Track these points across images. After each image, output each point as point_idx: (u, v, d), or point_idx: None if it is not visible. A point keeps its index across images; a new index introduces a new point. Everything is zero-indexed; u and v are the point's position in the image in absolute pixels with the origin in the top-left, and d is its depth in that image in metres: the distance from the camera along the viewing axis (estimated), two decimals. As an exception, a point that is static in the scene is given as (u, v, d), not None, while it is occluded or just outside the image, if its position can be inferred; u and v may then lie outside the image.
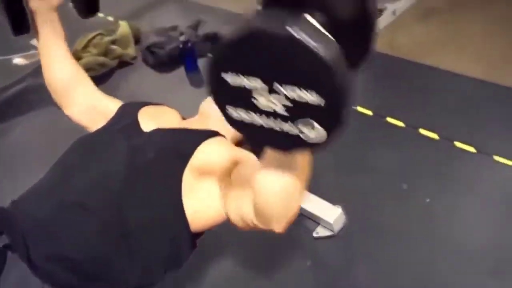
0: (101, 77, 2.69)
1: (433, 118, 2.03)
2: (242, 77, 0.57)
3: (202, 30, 2.80)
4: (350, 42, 0.61)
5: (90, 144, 1.05)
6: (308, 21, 0.54)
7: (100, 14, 3.45)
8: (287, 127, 0.58)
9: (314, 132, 0.57)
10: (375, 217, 1.67)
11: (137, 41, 2.94)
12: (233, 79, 0.58)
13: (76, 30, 3.21)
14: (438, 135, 1.93)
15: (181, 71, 2.66)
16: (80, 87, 1.19)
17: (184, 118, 1.20)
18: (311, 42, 0.51)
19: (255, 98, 0.58)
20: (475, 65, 2.30)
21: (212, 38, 2.73)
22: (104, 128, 1.09)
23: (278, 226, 0.82)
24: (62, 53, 1.19)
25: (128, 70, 2.77)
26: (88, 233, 0.92)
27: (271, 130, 0.60)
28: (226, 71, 0.58)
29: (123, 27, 2.94)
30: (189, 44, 2.53)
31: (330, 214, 1.60)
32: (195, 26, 2.84)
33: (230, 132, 1.17)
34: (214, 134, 1.05)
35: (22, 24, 1.10)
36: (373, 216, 1.68)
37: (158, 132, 1.04)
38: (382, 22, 2.69)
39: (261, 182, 0.77)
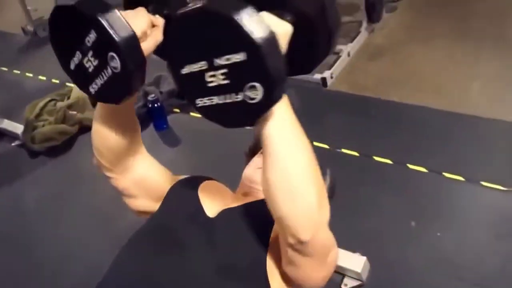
0: (63, 146, 2.51)
1: (417, 152, 2.13)
2: (193, 64, 0.65)
3: (165, 85, 2.73)
4: (312, 38, 0.76)
5: (157, 239, 0.94)
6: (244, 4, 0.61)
7: (42, 77, 3.26)
8: (236, 96, 0.64)
9: (257, 91, 0.62)
10: (395, 259, 1.69)
11: (94, 103, 2.79)
12: (188, 69, 0.66)
13: (21, 97, 2.99)
14: (426, 168, 2.03)
15: (150, 130, 2.56)
16: (139, 154, 1.01)
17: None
18: (232, 12, 0.59)
19: (207, 82, 0.65)
20: (434, 97, 2.48)
21: (178, 94, 2.67)
22: (166, 218, 0.98)
23: (304, 232, 0.71)
24: (132, 115, 0.97)
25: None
26: None
27: (226, 104, 0.65)
28: (182, 66, 0.66)
29: (76, 90, 2.78)
30: (158, 103, 2.45)
31: (356, 263, 1.59)
32: (157, 82, 2.76)
33: None
34: None
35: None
36: (393, 258, 1.70)
37: (226, 214, 0.97)
38: (341, 64, 2.83)
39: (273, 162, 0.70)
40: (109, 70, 0.73)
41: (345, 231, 1.82)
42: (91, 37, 0.72)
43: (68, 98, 2.78)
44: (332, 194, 1.39)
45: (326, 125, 2.44)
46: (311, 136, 2.40)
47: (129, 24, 0.71)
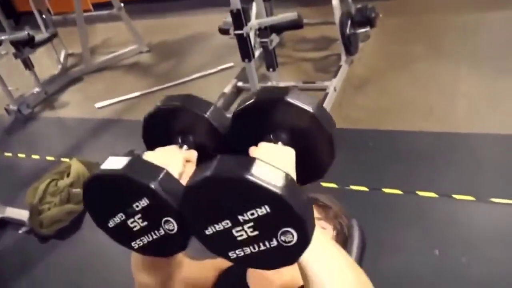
0: (71, 226, 2.48)
1: (422, 178, 2.20)
2: (217, 225, 0.64)
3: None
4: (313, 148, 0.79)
5: None
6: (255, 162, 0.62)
7: (36, 156, 3.24)
8: (270, 243, 0.63)
9: (292, 234, 0.61)
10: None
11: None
12: (212, 230, 0.64)
13: (18, 180, 2.96)
14: (436, 193, 2.09)
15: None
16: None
17: None
18: (242, 173, 0.60)
19: (236, 236, 0.64)
20: (426, 120, 2.58)
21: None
22: None
23: None
24: None
25: (99, 210, 2.58)
26: None
27: (261, 251, 0.64)
28: (205, 228, 0.65)
29: (75, 166, 2.78)
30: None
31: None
32: (154, 147, 2.78)
33: None
34: None
35: None
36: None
37: None
38: (330, 100, 2.91)
39: None
40: (162, 231, 0.71)
41: (370, 271, 1.85)
42: (142, 203, 0.69)
43: (68, 175, 2.77)
44: (364, 247, 1.41)
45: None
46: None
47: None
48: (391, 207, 2.12)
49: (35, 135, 3.65)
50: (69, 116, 3.78)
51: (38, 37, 3.91)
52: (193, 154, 0.83)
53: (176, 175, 0.72)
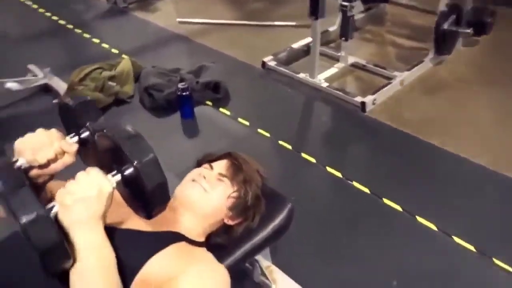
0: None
1: (433, 206, 1.91)
2: None
3: (205, 76, 2.72)
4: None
5: None
6: None
7: (105, 45, 3.41)
8: None
9: None
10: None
11: (136, 79, 2.86)
12: None
13: (80, 60, 3.16)
14: (436, 226, 1.81)
15: (176, 116, 2.56)
16: None
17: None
18: None
19: None
20: (480, 150, 2.20)
21: (214, 87, 2.65)
22: None
23: None
24: None
25: (124, 109, 2.67)
26: None
27: None
28: None
29: (125, 63, 2.86)
30: (187, 92, 2.44)
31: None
32: (197, 72, 2.76)
33: (204, 223, 1.06)
34: (173, 238, 0.95)
35: None
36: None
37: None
38: (388, 91, 2.62)
39: None
40: None
41: (318, 274, 1.68)
42: None
43: (115, 69, 2.87)
44: (285, 228, 1.27)
45: (349, 153, 2.27)
46: (328, 161, 2.22)
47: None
48: (381, 219, 1.88)
49: (117, 27, 3.83)
50: (153, 21, 3.89)
51: None
52: (72, 147, 0.88)
53: (44, 160, 0.84)
